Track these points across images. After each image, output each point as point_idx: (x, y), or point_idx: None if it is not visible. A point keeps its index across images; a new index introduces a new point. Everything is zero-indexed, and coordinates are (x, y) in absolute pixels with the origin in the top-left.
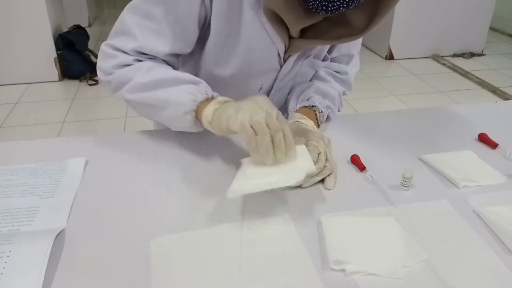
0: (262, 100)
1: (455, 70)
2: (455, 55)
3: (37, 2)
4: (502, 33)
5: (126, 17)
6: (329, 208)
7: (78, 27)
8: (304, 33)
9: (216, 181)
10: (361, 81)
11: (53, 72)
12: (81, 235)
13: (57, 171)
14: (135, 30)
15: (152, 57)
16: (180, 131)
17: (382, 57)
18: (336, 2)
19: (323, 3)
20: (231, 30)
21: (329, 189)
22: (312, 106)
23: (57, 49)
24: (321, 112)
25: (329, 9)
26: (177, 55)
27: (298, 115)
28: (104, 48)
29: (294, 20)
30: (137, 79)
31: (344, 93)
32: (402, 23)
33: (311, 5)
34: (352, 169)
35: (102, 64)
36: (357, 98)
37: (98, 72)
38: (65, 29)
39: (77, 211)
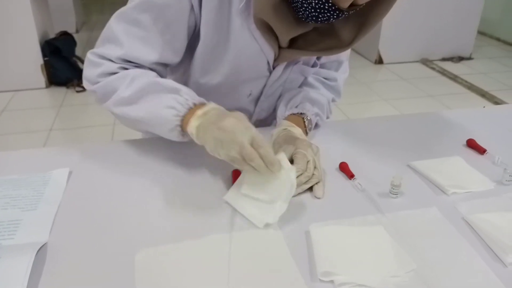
0: (237, 125)
1: (444, 74)
2: (444, 59)
3: (23, 9)
4: (490, 37)
5: (113, 24)
6: (317, 217)
7: (65, 34)
8: (293, 43)
9: (203, 192)
10: (351, 85)
11: (40, 79)
12: (64, 249)
13: (40, 182)
14: (122, 37)
15: (138, 65)
16: (168, 141)
17: (371, 62)
18: (326, 12)
19: (313, 13)
20: (220, 38)
21: (319, 198)
22: (301, 113)
23: (44, 55)
24: (309, 119)
25: (319, 19)
26: (165, 65)
27: (286, 122)
28: (89, 56)
29: (283, 30)
30: (120, 92)
31: (333, 100)
32: (391, 27)
33: (301, 14)
34: (341, 176)
35: (88, 72)
36: (347, 103)
37: (84, 81)
38: (52, 36)
39: (60, 224)
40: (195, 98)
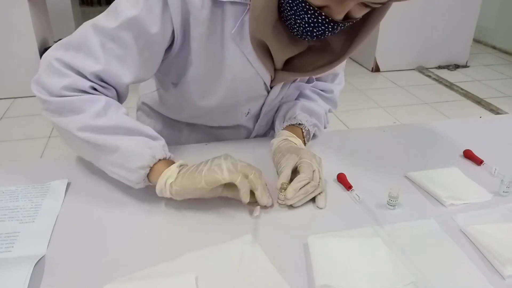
0: (223, 163)
1: (440, 82)
2: (440, 67)
3: (22, 16)
4: (486, 44)
5: (89, 34)
6: (316, 229)
7: None
8: (288, 64)
9: (204, 207)
10: (348, 93)
11: None
12: (62, 262)
13: (38, 194)
14: (98, 51)
15: (109, 87)
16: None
17: (368, 70)
18: (320, 26)
19: (308, 28)
20: (214, 63)
21: (321, 208)
22: (299, 124)
23: None
24: (308, 130)
25: (314, 34)
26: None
27: (286, 133)
28: (53, 63)
29: (280, 50)
30: (89, 119)
31: (329, 111)
32: (388, 36)
33: (295, 31)
34: (339, 188)
35: (47, 80)
36: (344, 110)
37: (36, 87)
38: (51, 43)
39: (58, 236)
40: (171, 154)
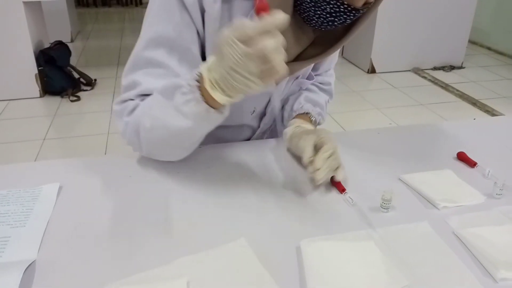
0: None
1: (435, 83)
2: (435, 68)
3: (18, 18)
4: (481, 45)
5: (129, 75)
6: (309, 232)
7: (59, 43)
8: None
9: (197, 209)
10: (344, 94)
11: (34, 88)
12: (53, 267)
13: (30, 198)
14: (141, 79)
15: None
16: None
17: (364, 71)
18: (342, 15)
19: (329, 18)
20: None
21: (339, 180)
22: (306, 113)
23: (38, 65)
24: (314, 118)
25: (335, 23)
26: None
27: (298, 121)
28: (114, 107)
29: (294, 43)
30: (143, 121)
31: (328, 101)
32: (383, 37)
33: (314, 23)
34: (332, 191)
35: (118, 125)
36: (340, 111)
37: (122, 137)
38: (46, 45)
39: (49, 241)
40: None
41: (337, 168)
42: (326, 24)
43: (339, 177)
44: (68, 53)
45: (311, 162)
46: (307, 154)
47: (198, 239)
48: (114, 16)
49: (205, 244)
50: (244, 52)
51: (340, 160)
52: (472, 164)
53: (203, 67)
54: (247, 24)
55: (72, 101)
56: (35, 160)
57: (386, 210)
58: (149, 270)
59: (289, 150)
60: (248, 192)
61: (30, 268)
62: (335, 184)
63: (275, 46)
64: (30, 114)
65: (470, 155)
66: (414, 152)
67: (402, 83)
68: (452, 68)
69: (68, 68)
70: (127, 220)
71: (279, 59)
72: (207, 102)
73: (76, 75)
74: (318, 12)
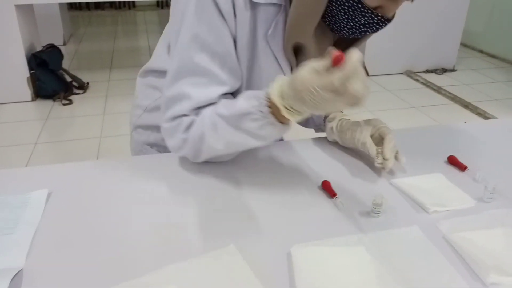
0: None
1: (428, 86)
2: (427, 71)
3: (9, 21)
4: (473, 48)
5: (175, 85)
6: (299, 238)
7: (52, 46)
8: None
9: (194, 213)
10: None
11: (26, 92)
12: (40, 275)
13: (19, 204)
14: (189, 91)
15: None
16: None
17: None
18: (375, 25)
19: (362, 29)
20: (248, 63)
21: (404, 162)
22: None
23: (30, 68)
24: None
25: (368, 32)
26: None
27: (338, 114)
28: (165, 126)
29: (318, 50)
30: (214, 145)
31: None
32: (376, 40)
33: (345, 33)
34: (323, 195)
35: (171, 141)
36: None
37: (172, 151)
38: (38, 48)
39: (37, 249)
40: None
41: (396, 153)
42: (358, 33)
43: (402, 161)
44: (60, 56)
45: (378, 152)
46: (373, 147)
47: (187, 246)
48: (107, 19)
49: (194, 250)
50: (333, 99)
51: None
52: (462, 168)
53: (274, 96)
54: (332, 75)
55: (64, 104)
56: (26, 165)
57: (377, 214)
58: (138, 278)
59: (338, 142)
60: (237, 197)
61: (17, 277)
62: (326, 189)
63: (363, 87)
64: (22, 117)
65: (461, 158)
66: (405, 156)
67: (395, 86)
68: (444, 71)
69: (60, 71)
70: (116, 227)
71: (365, 95)
72: (280, 121)
73: (68, 79)
74: (351, 24)
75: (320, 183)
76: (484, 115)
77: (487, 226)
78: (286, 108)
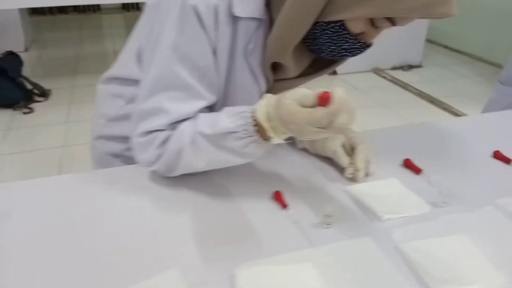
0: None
1: (395, 83)
2: (394, 68)
3: None
4: (439, 44)
5: (150, 99)
6: (246, 255)
7: (11, 53)
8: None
9: (130, 236)
10: None
11: None
12: None
13: None
14: (166, 105)
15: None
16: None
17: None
18: (356, 51)
19: (343, 53)
20: (226, 73)
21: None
22: None
23: None
24: None
25: (348, 56)
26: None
27: None
28: (137, 140)
29: (297, 68)
30: (192, 162)
31: None
32: None
33: (325, 54)
34: (274, 207)
35: (142, 157)
36: None
37: (143, 165)
38: None
39: None
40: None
41: (367, 163)
42: (338, 57)
43: (371, 172)
44: (20, 63)
45: (351, 163)
46: (344, 157)
47: (127, 271)
48: (72, 24)
49: (133, 276)
50: (319, 131)
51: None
52: (417, 171)
53: (261, 116)
54: (319, 114)
55: (25, 113)
56: None
57: (328, 226)
58: None
59: (308, 151)
60: (179, 215)
61: None
62: (278, 200)
63: (348, 120)
64: None
65: (417, 161)
66: None
67: (362, 84)
68: (410, 67)
69: (20, 78)
70: (80, 247)
71: (351, 124)
72: (264, 139)
73: (29, 86)
74: (333, 47)
75: (272, 194)
76: (450, 110)
77: (441, 233)
78: (272, 128)
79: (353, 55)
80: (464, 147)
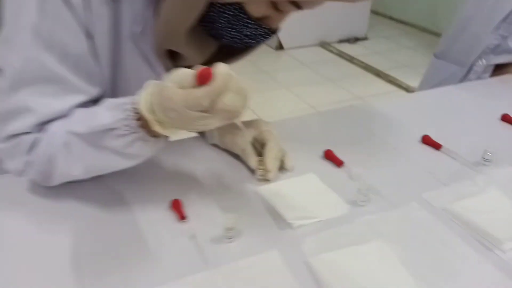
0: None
1: (341, 56)
2: (341, 41)
3: None
4: (384, 16)
5: (14, 94)
6: (134, 284)
7: None
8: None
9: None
10: (253, 75)
11: None
12: None
13: None
14: (32, 103)
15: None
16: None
17: (272, 48)
18: (260, 37)
19: (247, 40)
20: (112, 61)
21: (290, 170)
22: None
23: None
24: None
25: (252, 44)
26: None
27: None
28: (2, 146)
29: (195, 56)
30: (68, 170)
31: None
32: None
33: (227, 40)
34: (172, 218)
35: (11, 164)
36: (251, 95)
37: (14, 175)
38: None
39: None
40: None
41: (283, 157)
42: (240, 44)
43: (289, 166)
44: None
45: (260, 164)
46: (252, 157)
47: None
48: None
49: None
50: (204, 118)
51: (282, 147)
52: (338, 163)
53: (144, 109)
54: (198, 93)
55: None
56: None
57: (229, 240)
58: None
59: (217, 146)
60: (60, 230)
61: None
62: (176, 210)
63: (237, 100)
64: None
65: (340, 151)
66: None
67: (310, 59)
68: (356, 39)
69: None
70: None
71: (241, 107)
72: (152, 135)
73: None
74: (234, 33)
75: (169, 203)
76: (395, 83)
77: (357, 240)
78: (158, 122)
79: (258, 42)
80: (391, 131)
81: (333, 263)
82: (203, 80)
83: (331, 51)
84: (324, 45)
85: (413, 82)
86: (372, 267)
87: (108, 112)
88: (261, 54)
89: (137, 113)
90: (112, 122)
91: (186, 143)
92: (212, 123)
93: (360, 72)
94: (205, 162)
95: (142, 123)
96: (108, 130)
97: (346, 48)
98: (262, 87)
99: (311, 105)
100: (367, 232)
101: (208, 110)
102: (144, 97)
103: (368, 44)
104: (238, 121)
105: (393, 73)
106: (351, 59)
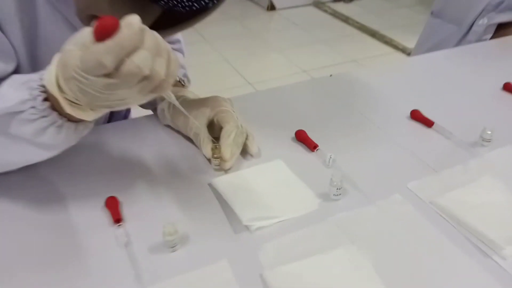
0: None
1: (336, 17)
2: (335, 0)
3: None
4: None
5: None
6: None
7: None
8: None
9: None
10: (243, 37)
11: None
12: None
13: None
14: None
15: None
16: None
17: (263, 8)
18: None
19: (186, 3)
20: (26, 30)
21: (254, 155)
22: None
23: None
24: (184, 81)
25: (194, 5)
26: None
27: (177, 88)
28: None
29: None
30: None
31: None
32: None
33: (163, 4)
34: (104, 222)
35: None
36: (241, 57)
37: None
38: None
39: None
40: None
41: (246, 140)
42: (181, 7)
43: (253, 150)
44: None
45: (215, 152)
46: (207, 144)
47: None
48: None
49: None
50: (109, 85)
51: (246, 129)
52: (312, 146)
53: (51, 84)
54: (96, 48)
55: None
56: None
57: (172, 249)
58: None
59: (170, 126)
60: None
61: None
62: (109, 209)
63: (147, 61)
64: None
65: (315, 132)
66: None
67: (303, 20)
68: None
69: None
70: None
71: (161, 71)
72: (68, 119)
73: None
74: None
75: (104, 201)
76: (391, 44)
77: (327, 244)
78: (70, 101)
79: (202, 6)
80: (376, 106)
81: (292, 277)
82: (103, 32)
83: (325, 11)
84: (318, 4)
85: (410, 43)
86: (340, 280)
87: (13, 92)
88: (251, 15)
89: (45, 91)
90: (15, 104)
91: (137, 123)
92: (127, 95)
93: (355, 33)
94: (155, 148)
95: (53, 104)
96: (12, 114)
97: (341, 7)
98: (252, 49)
99: (303, 69)
100: (339, 234)
101: (113, 72)
102: (51, 70)
103: (363, 3)
104: (171, 95)
105: (389, 34)
106: (346, 19)
